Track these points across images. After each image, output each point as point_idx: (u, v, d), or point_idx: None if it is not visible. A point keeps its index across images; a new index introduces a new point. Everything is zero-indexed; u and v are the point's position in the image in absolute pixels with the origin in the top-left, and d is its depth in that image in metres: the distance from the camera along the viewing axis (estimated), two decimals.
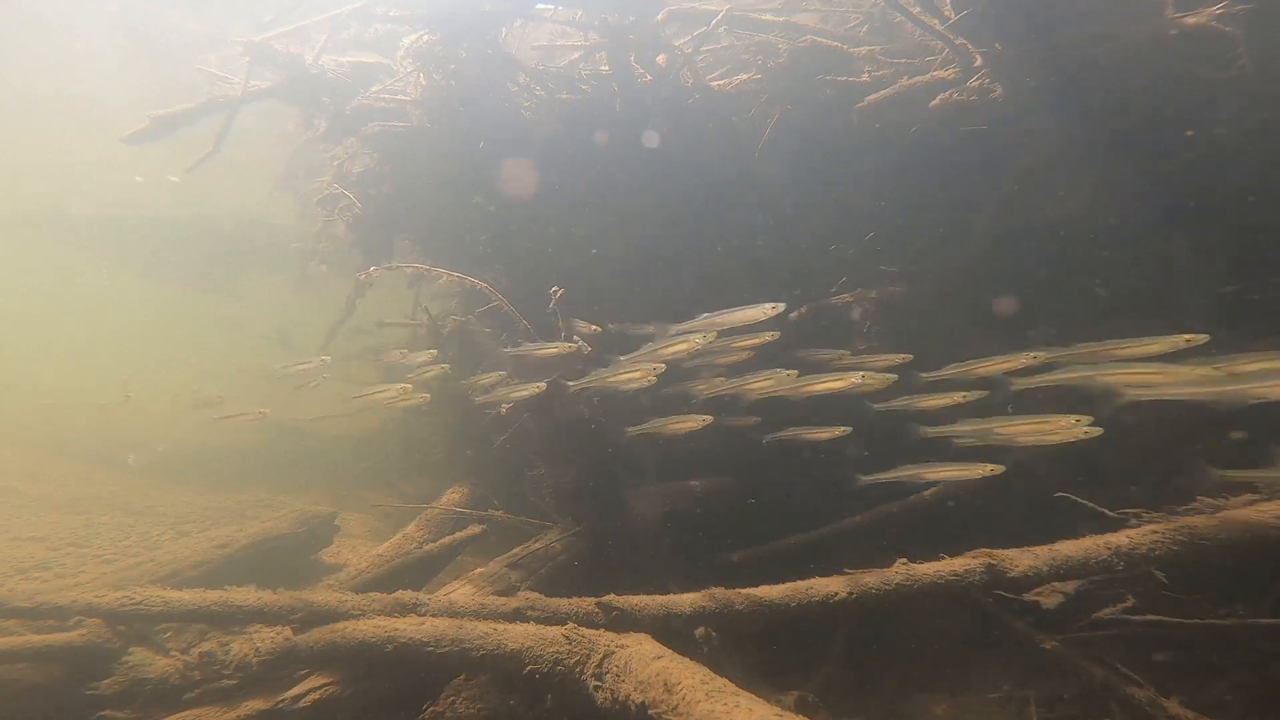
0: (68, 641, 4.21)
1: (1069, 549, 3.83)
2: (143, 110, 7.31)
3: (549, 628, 3.55)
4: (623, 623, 3.66)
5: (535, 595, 4.18)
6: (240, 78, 7.36)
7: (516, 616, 3.94)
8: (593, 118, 6.66)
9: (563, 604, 4.03)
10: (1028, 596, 3.92)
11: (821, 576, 3.87)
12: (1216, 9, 4.39)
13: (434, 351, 5.73)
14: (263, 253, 18.32)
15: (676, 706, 2.70)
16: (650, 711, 2.78)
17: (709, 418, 4.72)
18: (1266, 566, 3.74)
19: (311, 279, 13.04)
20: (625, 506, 5.76)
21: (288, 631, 4.10)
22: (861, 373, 4.43)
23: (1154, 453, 4.50)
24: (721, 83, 6.57)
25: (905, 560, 3.83)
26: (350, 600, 4.14)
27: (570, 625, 3.47)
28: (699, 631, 3.77)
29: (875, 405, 4.64)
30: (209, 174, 8.04)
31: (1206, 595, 3.97)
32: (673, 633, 3.77)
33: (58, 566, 6.56)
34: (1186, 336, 3.58)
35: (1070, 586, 3.92)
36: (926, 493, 5.21)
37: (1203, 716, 3.52)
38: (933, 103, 5.29)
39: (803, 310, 6.17)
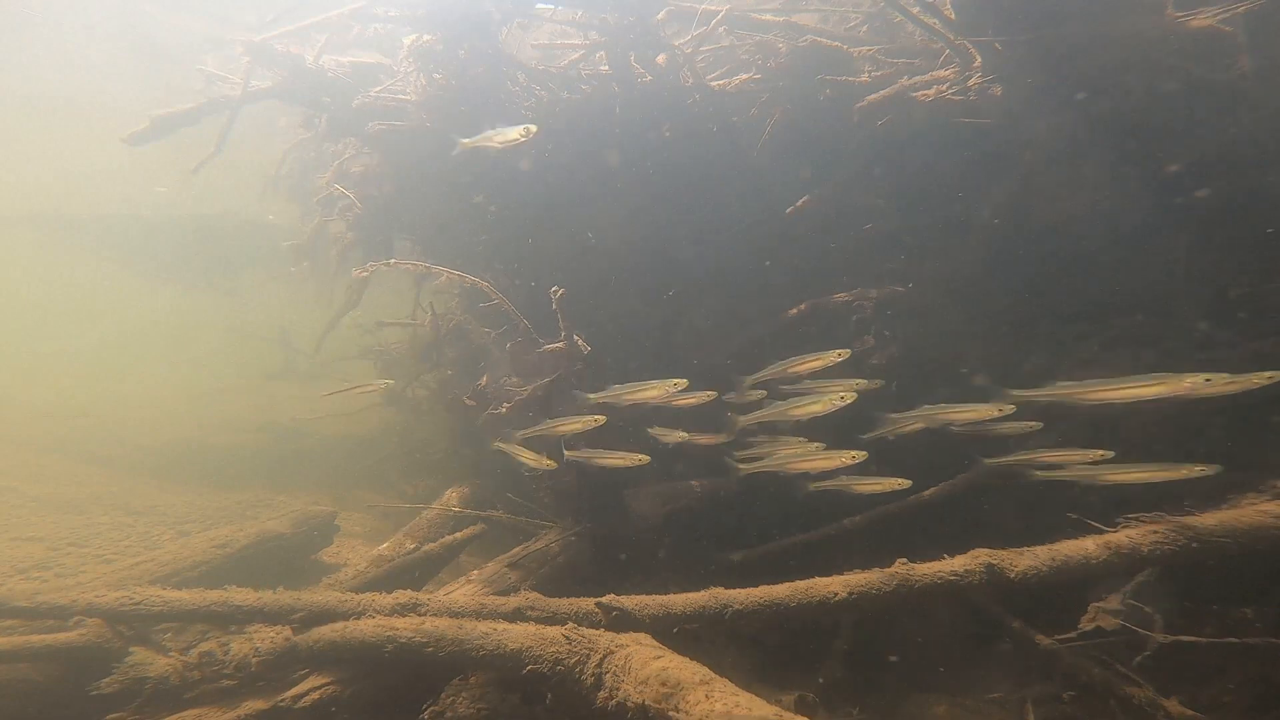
0: (68, 641, 4.20)
1: (1069, 549, 3.82)
2: (143, 110, 7.30)
3: (549, 628, 3.55)
4: (622, 623, 3.66)
5: (535, 595, 4.18)
6: (241, 78, 7.36)
7: (516, 616, 3.95)
8: (593, 118, 6.66)
9: (563, 604, 4.04)
10: (1084, 624, 3.88)
11: (821, 576, 3.87)
12: (1217, 10, 4.39)
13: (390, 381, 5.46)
14: (262, 253, 18.36)
15: (676, 706, 2.69)
16: (650, 711, 2.78)
17: (862, 454, 4.48)
18: (1267, 567, 3.74)
19: (311, 278, 13.05)
20: (625, 506, 5.76)
21: (288, 631, 4.10)
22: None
23: (1153, 454, 4.49)
24: (721, 83, 6.57)
25: (905, 560, 3.83)
26: (350, 600, 4.14)
27: (570, 625, 3.47)
28: (676, 632, 3.77)
29: None
30: (208, 175, 8.04)
31: (1207, 596, 3.97)
32: (673, 633, 3.77)
33: (58, 566, 6.55)
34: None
35: (1116, 603, 3.88)
36: (926, 492, 5.21)
37: (1203, 716, 3.52)
38: (921, 94, 5.29)
39: (801, 307, 6.17)
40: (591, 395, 4.86)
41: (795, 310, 6.19)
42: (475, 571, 5.32)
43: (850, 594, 3.73)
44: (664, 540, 5.85)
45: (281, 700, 3.84)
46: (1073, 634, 3.83)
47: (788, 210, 6.12)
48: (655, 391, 4.65)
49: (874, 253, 6.11)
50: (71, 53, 15.97)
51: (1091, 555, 3.75)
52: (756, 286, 6.57)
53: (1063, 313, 5.51)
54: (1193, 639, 3.68)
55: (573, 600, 4.07)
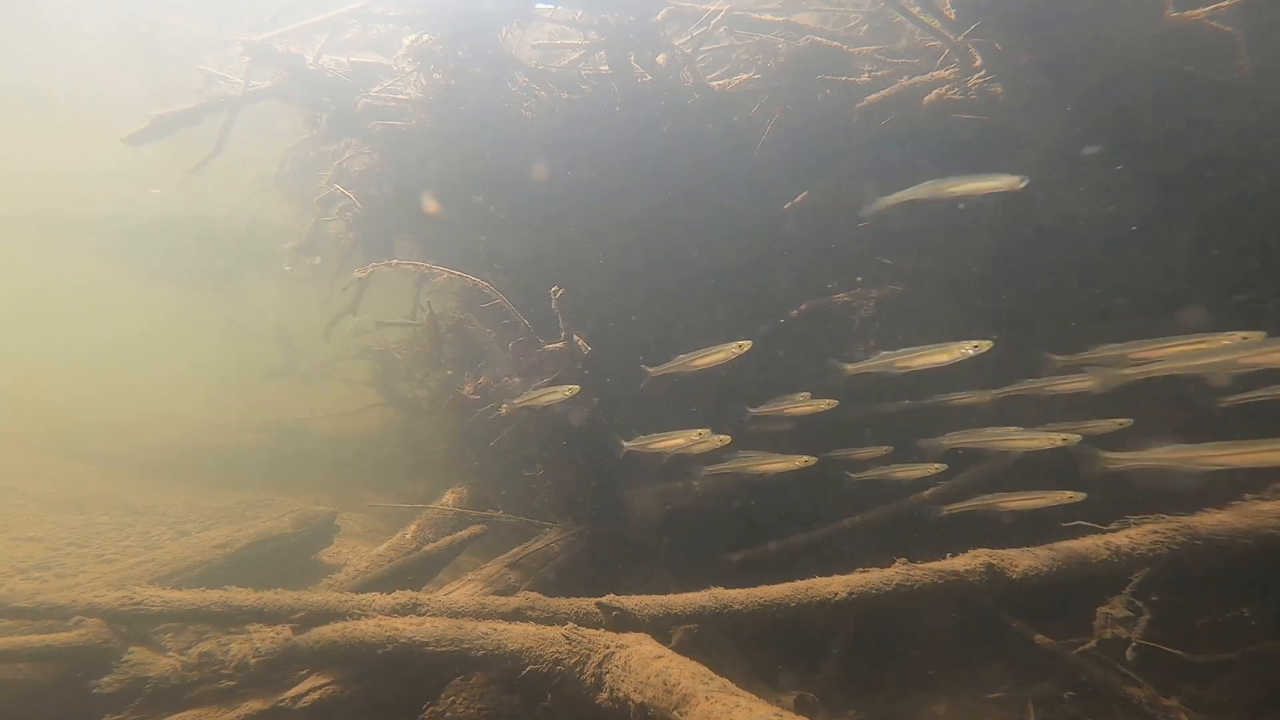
0: (68, 641, 4.20)
1: (1069, 549, 3.82)
2: (143, 110, 7.30)
3: (549, 628, 3.55)
4: (623, 623, 3.66)
5: (535, 595, 4.18)
6: (241, 78, 7.36)
7: (516, 616, 3.94)
8: (593, 118, 6.66)
9: (563, 604, 4.04)
10: (1099, 633, 3.84)
11: (821, 576, 3.87)
12: (1216, 8, 4.39)
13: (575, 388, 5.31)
14: (262, 253, 18.34)
15: (676, 706, 2.69)
16: (650, 711, 2.78)
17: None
18: (1267, 567, 3.74)
19: (311, 278, 13.06)
20: (625, 506, 5.76)
21: (288, 631, 4.10)
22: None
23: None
24: (721, 83, 6.56)
25: (905, 560, 3.83)
26: (350, 600, 4.14)
27: (570, 625, 3.46)
28: (676, 632, 3.76)
29: None
30: (208, 175, 8.04)
31: (1206, 596, 3.97)
32: (672, 633, 3.77)
33: (58, 566, 6.56)
34: None
35: (1124, 609, 3.86)
36: (926, 493, 5.22)
37: (1203, 716, 3.52)
38: (926, 98, 5.29)
39: (802, 307, 6.17)
40: (849, 366, 4.54)
41: (796, 311, 6.20)
42: (475, 572, 5.32)
43: (850, 594, 3.73)
44: (664, 540, 5.85)
45: (281, 700, 3.84)
46: (1091, 642, 3.81)
47: (785, 206, 6.11)
48: (945, 356, 4.18)
49: (874, 252, 6.11)
50: (72, 53, 15.98)
51: (1092, 555, 3.75)
52: (757, 286, 6.57)
53: (1063, 313, 5.51)
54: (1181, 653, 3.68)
55: (573, 600, 4.06)
